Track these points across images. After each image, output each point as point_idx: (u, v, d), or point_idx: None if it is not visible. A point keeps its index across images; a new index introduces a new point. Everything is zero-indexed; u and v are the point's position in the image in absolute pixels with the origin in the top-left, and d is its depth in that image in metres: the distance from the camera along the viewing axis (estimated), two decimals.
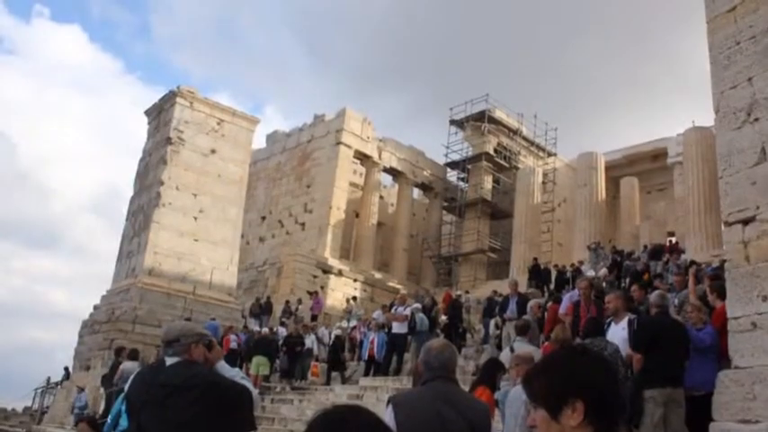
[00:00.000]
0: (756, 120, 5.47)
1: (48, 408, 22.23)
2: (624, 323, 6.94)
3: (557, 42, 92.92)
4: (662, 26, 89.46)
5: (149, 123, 25.75)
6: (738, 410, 5.17)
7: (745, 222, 5.45)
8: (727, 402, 5.30)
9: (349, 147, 32.08)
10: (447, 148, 35.76)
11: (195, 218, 23.32)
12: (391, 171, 34.83)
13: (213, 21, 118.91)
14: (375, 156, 33.32)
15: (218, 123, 24.71)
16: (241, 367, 15.70)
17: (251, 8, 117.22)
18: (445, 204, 36.48)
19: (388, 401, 3.26)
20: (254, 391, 3.36)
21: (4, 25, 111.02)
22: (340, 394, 13.74)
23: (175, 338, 3.26)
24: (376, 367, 14.86)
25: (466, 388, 5.10)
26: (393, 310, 15.40)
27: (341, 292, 29.01)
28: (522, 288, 16.20)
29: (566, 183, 34.67)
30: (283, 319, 21.99)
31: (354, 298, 26.84)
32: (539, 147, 36.00)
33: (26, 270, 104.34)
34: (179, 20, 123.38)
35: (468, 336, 18.01)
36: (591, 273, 18.18)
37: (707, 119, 22.10)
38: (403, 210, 34.95)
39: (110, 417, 5.67)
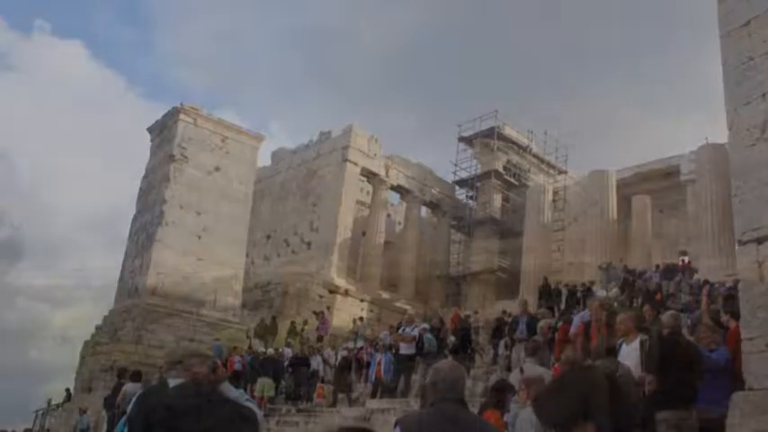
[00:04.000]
0: None
1: (49, 430, 22.15)
2: (636, 344, 6.84)
3: (567, 59, 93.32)
4: (675, 42, 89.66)
5: (152, 141, 25.78)
6: None
7: (760, 241, 5.36)
8: (740, 425, 5.18)
9: (355, 164, 32.00)
10: (455, 165, 35.60)
11: (199, 237, 23.24)
12: (399, 189, 34.70)
13: (217, 37, 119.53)
14: (382, 173, 33.18)
15: (223, 140, 24.71)
16: (246, 389, 15.56)
17: (255, 24, 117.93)
18: (454, 223, 36.26)
19: (396, 423, 3.20)
20: (259, 414, 3.32)
21: (4, 40, 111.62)
22: (347, 416, 13.57)
23: (179, 360, 3.22)
24: (383, 389, 14.73)
25: (475, 410, 5.01)
26: (400, 331, 15.29)
27: (347, 312, 28.80)
28: (532, 308, 16.10)
29: (577, 201, 34.40)
30: (289, 340, 21.90)
31: (361, 318, 26.66)
32: (549, 164, 35.71)
33: (26, 290, 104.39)
34: (182, 36, 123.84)
35: (477, 357, 17.85)
36: (602, 293, 18.08)
37: (720, 136, 21.97)
38: (411, 228, 34.78)
39: None
